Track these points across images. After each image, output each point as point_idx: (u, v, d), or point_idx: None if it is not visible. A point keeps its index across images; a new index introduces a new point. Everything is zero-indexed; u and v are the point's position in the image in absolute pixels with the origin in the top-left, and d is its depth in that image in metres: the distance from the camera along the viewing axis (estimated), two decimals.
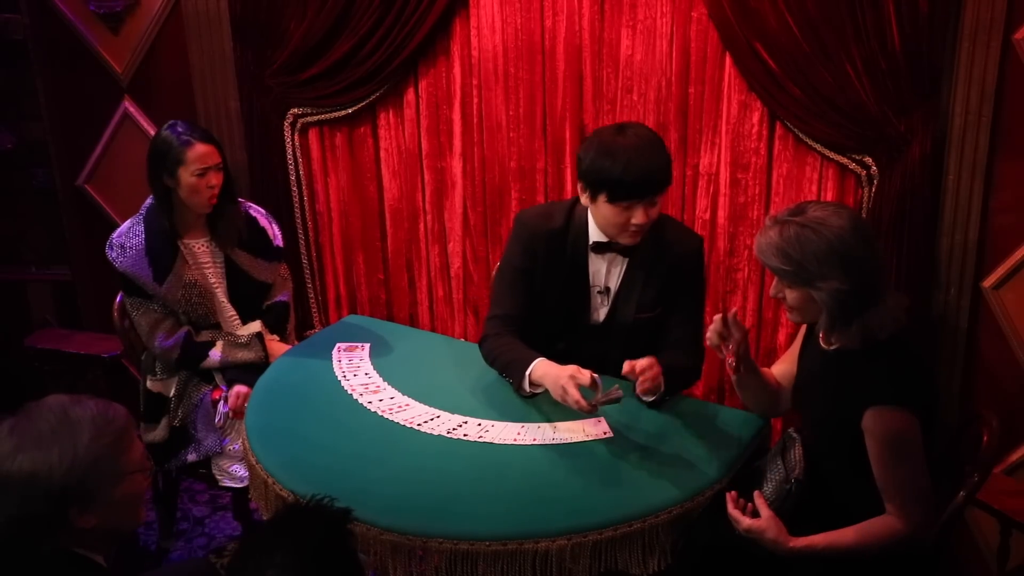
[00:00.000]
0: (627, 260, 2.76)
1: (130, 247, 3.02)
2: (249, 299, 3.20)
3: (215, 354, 3.06)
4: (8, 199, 4.03)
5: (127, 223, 3.09)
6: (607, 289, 2.80)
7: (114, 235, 3.07)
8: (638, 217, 2.61)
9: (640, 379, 2.50)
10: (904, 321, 2.26)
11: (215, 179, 3.00)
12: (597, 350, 2.76)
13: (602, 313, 2.82)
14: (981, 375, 3.12)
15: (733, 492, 2.30)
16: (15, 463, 1.76)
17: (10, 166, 3.96)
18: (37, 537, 1.80)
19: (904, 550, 2.27)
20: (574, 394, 2.47)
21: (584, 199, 2.68)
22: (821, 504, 2.34)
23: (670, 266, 2.75)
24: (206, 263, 3.11)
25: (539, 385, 2.62)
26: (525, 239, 2.81)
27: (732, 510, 2.27)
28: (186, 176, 2.97)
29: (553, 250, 2.78)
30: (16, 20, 3.75)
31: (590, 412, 2.50)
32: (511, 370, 2.69)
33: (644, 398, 2.62)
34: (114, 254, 3.03)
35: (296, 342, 3.29)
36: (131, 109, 3.80)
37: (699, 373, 2.93)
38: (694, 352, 2.80)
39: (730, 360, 2.41)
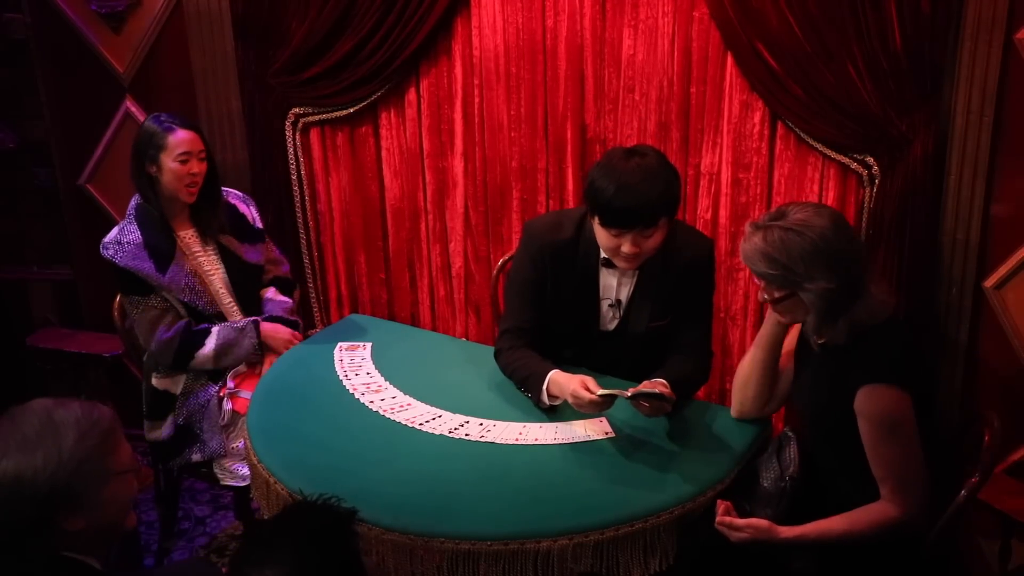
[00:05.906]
0: (637, 273, 2.73)
1: (127, 242, 3.00)
2: (245, 283, 3.20)
3: (210, 342, 3.04)
4: (10, 198, 4.03)
5: (116, 228, 3.06)
6: (618, 302, 2.77)
7: (105, 239, 3.03)
8: (627, 246, 2.55)
9: (645, 407, 2.49)
10: (890, 308, 2.28)
11: (197, 167, 3.01)
12: (608, 357, 2.76)
13: (613, 323, 2.80)
14: (983, 375, 3.12)
15: (725, 504, 2.30)
16: (0, 468, 1.74)
17: (12, 165, 3.96)
18: (26, 541, 1.78)
19: (896, 537, 2.28)
20: (590, 408, 2.49)
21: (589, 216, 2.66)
22: (818, 503, 2.34)
23: (681, 274, 2.71)
24: (198, 252, 3.12)
25: (557, 397, 2.61)
26: (534, 250, 2.77)
27: (719, 524, 2.27)
28: (168, 162, 2.98)
29: (562, 262, 2.74)
30: (18, 19, 3.75)
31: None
32: (529, 384, 2.67)
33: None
34: (111, 252, 3.00)
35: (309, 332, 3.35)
36: (133, 109, 3.80)
37: (707, 376, 2.89)
38: (702, 357, 2.79)
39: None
